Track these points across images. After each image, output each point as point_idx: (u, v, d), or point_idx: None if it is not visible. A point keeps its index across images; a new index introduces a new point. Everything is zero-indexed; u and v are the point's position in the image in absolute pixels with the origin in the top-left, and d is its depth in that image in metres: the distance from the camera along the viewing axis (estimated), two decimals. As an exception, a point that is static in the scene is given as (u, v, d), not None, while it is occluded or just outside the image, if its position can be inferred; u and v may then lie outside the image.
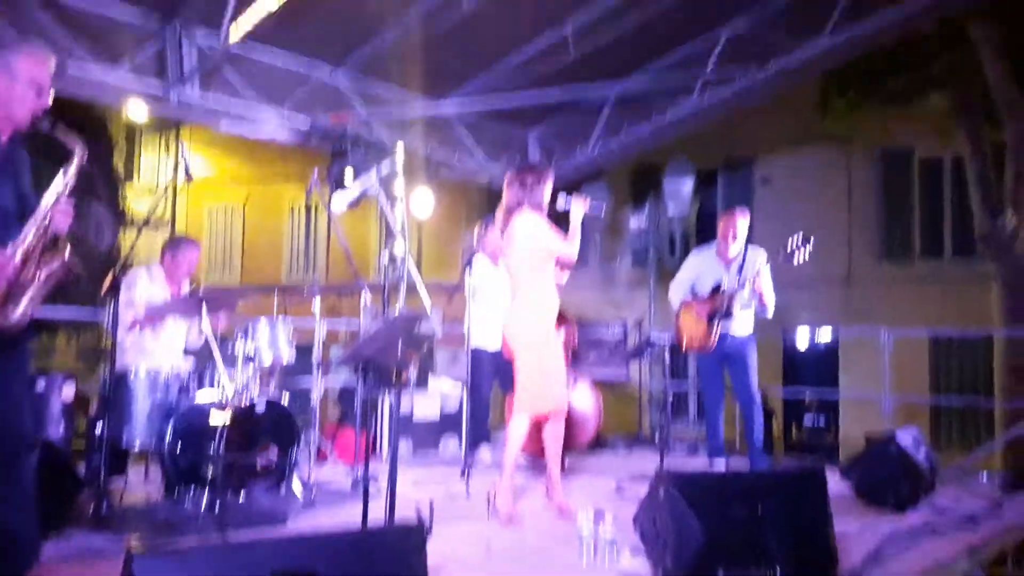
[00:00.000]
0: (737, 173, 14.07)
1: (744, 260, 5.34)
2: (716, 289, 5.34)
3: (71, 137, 2.78)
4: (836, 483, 4.49)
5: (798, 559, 3.01)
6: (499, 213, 4.26)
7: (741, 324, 5.35)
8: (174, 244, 4.80)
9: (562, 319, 5.38)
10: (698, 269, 5.52)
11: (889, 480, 4.35)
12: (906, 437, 4.50)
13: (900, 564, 3.34)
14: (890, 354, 6.47)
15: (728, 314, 5.27)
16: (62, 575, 2.76)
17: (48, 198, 2.73)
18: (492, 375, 5.82)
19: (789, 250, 5.03)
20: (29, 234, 2.67)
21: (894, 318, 8.43)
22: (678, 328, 5.54)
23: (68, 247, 2.79)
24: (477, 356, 5.86)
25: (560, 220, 4.26)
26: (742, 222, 5.38)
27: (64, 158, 2.80)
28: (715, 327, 5.28)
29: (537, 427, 4.25)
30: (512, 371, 4.23)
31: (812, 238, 5.02)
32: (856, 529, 3.78)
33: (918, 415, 9.69)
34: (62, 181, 2.76)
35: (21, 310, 2.66)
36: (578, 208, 4.23)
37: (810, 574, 3.01)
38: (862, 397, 8.50)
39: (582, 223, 4.26)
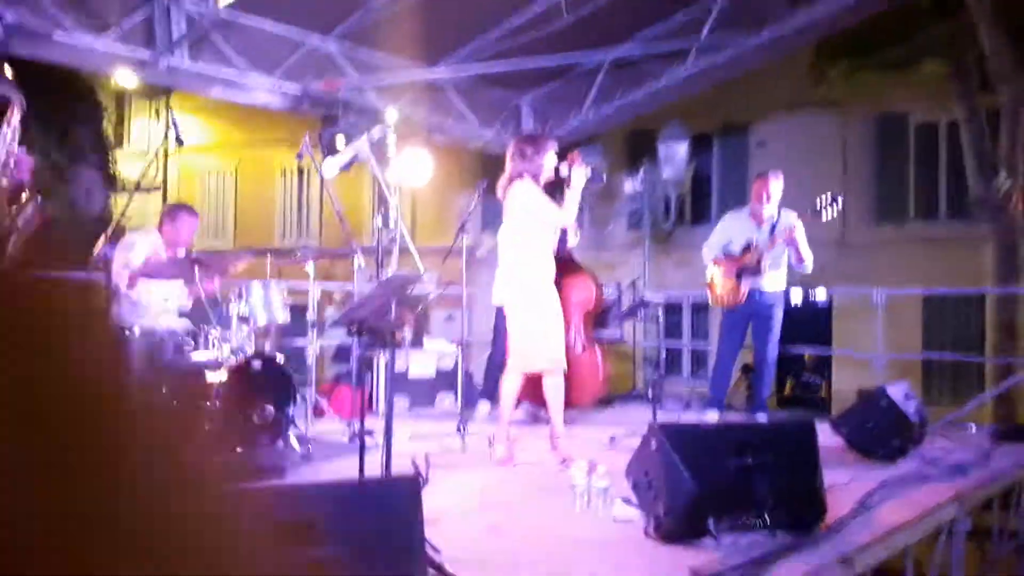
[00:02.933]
0: (732, 138, 14.00)
1: (777, 221, 5.41)
2: (747, 247, 5.42)
3: (4, 86, 2.77)
4: (828, 436, 4.57)
5: (788, 508, 3.06)
6: (501, 181, 4.39)
7: (771, 282, 5.44)
8: (173, 212, 4.80)
9: (584, 281, 5.44)
10: (731, 230, 5.61)
11: (879, 432, 4.40)
12: (897, 391, 4.54)
13: (889, 511, 3.39)
14: (883, 313, 6.52)
15: (757, 271, 5.36)
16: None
17: None
18: None
19: (818, 208, 5.15)
20: None
21: (888, 278, 8.46)
22: (709, 285, 5.64)
23: (37, 194, 2.79)
24: (503, 314, 5.92)
25: (561, 184, 4.37)
26: (775, 184, 5.48)
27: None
28: (744, 283, 5.38)
29: (540, 381, 4.37)
30: None
31: (840, 197, 5.14)
32: (846, 479, 3.84)
33: (910, 372, 9.76)
34: (8, 131, 2.73)
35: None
36: (579, 176, 4.31)
37: (799, 522, 3.06)
38: (855, 355, 8.58)
39: (581, 189, 4.37)
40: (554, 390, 4.34)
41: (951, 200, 12.51)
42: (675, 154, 10.99)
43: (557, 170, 4.34)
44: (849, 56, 11.12)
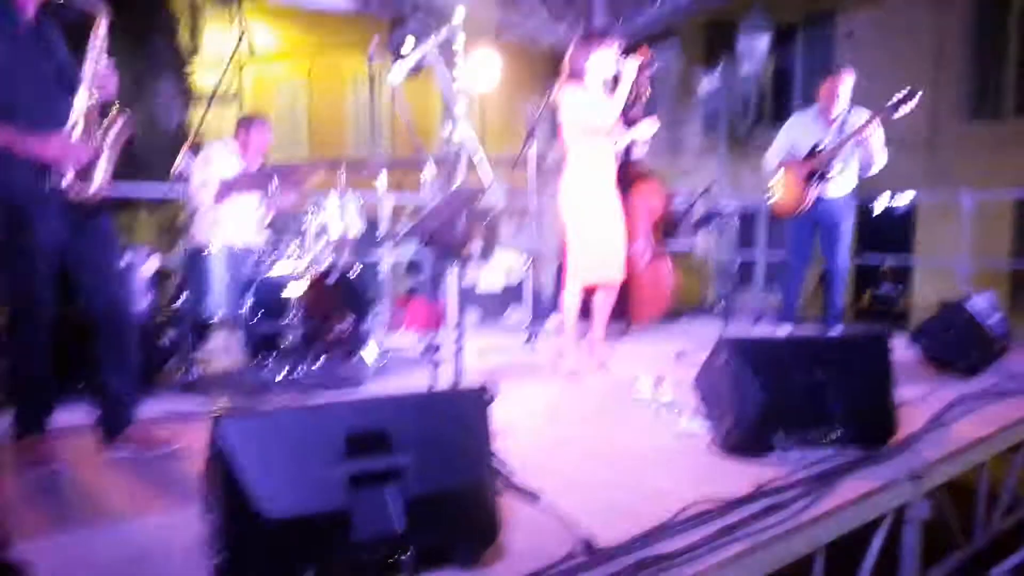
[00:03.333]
0: (818, 28, 13.23)
1: (846, 120, 5.14)
2: (814, 150, 5.17)
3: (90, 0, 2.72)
4: (905, 349, 4.48)
5: (858, 424, 3.03)
6: (556, 88, 4.32)
7: (838, 186, 5.20)
8: (247, 122, 4.83)
9: (653, 189, 5.29)
10: (797, 132, 5.32)
11: (959, 345, 4.28)
12: (979, 302, 4.39)
13: (964, 427, 3.34)
14: (971, 218, 6.21)
15: (825, 176, 5.11)
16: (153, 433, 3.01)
17: (88, 66, 2.71)
18: None
19: (892, 104, 4.82)
20: (82, 106, 2.68)
21: (978, 181, 8.03)
22: (772, 193, 5.40)
23: (125, 111, 2.81)
24: None
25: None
26: (848, 81, 5.14)
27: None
28: (811, 189, 5.14)
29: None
30: None
31: (919, 93, 4.80)
32: (921, 394, 3.78)
33: (998, 283, 9.37)
34: (95, 45, 2.72)
35: (98, 181, 2.74)
36: (629, 70, 4.20)
37: (869, 438, 3.04)
38: (938, 264, 8.27)
39: (638, 84, 4.30)
40: (604, 303, 4.40)
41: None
42: (756, 48, 10.46)
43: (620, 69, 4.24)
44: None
